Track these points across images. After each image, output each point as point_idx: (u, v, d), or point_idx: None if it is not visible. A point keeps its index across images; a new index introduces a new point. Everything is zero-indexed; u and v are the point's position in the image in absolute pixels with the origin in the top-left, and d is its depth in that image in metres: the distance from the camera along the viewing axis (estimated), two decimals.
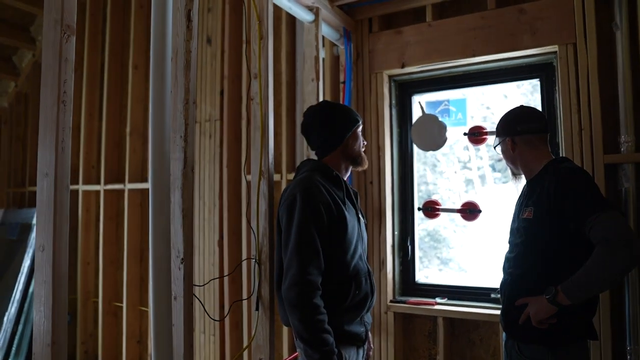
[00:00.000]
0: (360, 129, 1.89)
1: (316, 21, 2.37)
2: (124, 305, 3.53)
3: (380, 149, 2.74)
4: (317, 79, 2.36)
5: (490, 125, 2.52)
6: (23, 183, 4.77)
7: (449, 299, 2.57)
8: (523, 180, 1.96)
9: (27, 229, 4.23)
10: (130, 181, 3.59)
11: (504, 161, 2.02)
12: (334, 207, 1.68)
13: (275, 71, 2.94)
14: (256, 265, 1.91)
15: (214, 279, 2.99)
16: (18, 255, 4.15)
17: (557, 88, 2.31)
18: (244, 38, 3.04)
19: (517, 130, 1.86)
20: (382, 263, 2.67)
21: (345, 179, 1.89)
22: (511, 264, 1.85)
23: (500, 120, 1.97)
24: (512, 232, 1.90)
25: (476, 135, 2.61)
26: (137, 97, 3.67)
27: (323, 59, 2.84)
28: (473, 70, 2.61)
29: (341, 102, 2.74)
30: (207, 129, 3.21)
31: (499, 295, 1.96)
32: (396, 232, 2.76)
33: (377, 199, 2.71)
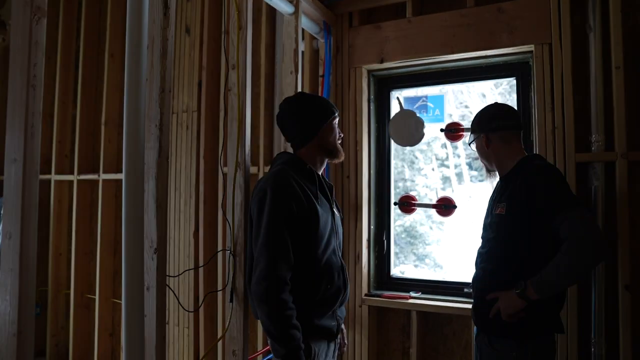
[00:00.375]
0: (336, 121, 1.87)
1: (296, 13, 2.36)
2: (97, 297, 3.48)
3: (357, 144, 2.75)
4: (296, 71, 2.35)
5: (468, 123, 2.55)
6: None
7: (423, 293, 2.60)
8: (497, 178, 2.00)
9: None
10: (105, 171, 3.52)
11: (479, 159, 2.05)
12: (305, 202, 1.67)
13: (254, 63, 2.92)
14: (231, 257, 1.90)
15: (187, 270, 2.96)
16: None
17: (532, 87, 2.35)
18: (223, 29, 3.00)
19: (492, 126, 1.90)
20: (358, 257, 2.69)
21: (321, 172, 1.88)
22: (483, 259, 1.89)
23: (476, 117, 1.99)
24: (485, 227, 1.93)
25: (453, 131, 2.64)
26: (113, 86, 3.59)
27: (302, 52, 2.83)
28: (451, 67, 2.64)
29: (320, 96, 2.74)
30: (184, 120, 3.17)
31: (471, 290, 2.00)
32: (372, 227, 2.77)
33: (354, 193, 2.73)
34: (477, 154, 2.02)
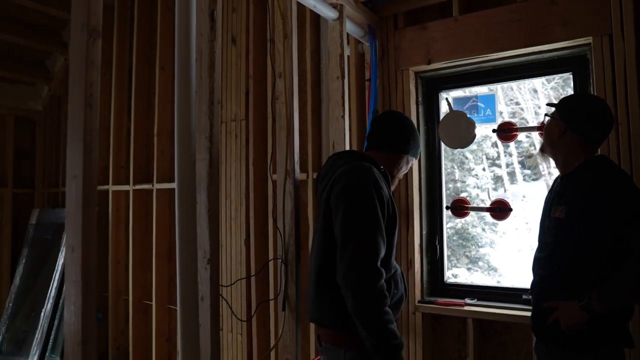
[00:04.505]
0: (411, 164, 1.93)
1: (340, 19, 2.35)
2: (153, 303, 3.59)
3: None
4: (342, 76, 2.33)
5: (520, 121, 2.45)
6: (57, 184, 4.90)
7: (478, 299, 2.51)
8: (550, 162, 1.89)
9: (61, 228, 4.34)
10: (158, 181, 3.64)
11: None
12: (390, 203, 1.65)
13: (300, 70, 2.93)
14: (282, 265, 1.90)
15: (240, 279, 3.00)
16: (53, 253, 4.27)
17: (591, 82, 2.22)
18: (268, 37, 3.04)
19: (578, 126, 1.73)
20: (410, 263, 2.63)
21: None
22: (541, 265, 1.79)
23: (572, 99, 1.85)
24: (542, 230, 1.83)
25: (506, 131, 2.55)
26: (164, 98, 3.71)
27: (348, 57, 2.81)
28: (502, 65, 2.54)
29: (367, 100, 2.71)
30: (233, 128, 3.22)
31: (530, 297, 1.90)
32: (424, 232, 2.71)
33: (405, 198, 2.67)
34: (545, 131, 1.86)
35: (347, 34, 2.64)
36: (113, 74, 4.10)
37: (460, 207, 2.63)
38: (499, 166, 9.52)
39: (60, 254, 4.17)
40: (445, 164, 2.90)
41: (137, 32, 3.94)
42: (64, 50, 4.74)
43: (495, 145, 9.32)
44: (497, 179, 9.50)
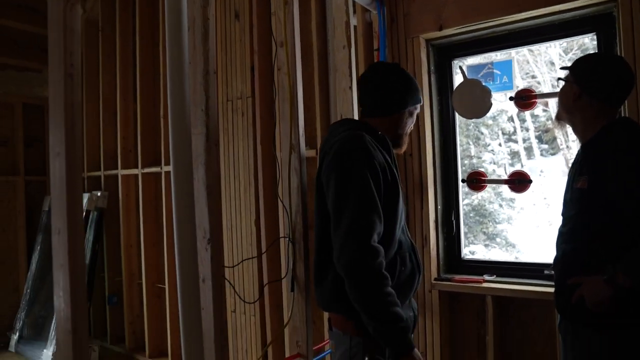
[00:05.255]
0: (418, 111, 1.72)
1: None
2: (166, 287, 3.56)
3: (419, 119, 2.56)
4: (349, 45, 2.21)
5: (539, 90, 2.30)
6: None
7: (497, 275, 2.41)
8: (566, 129, 1.76)
9: None
10: (166, 164, 3.58)
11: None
12: (387, 170, 1.49)
13: (305, 42, 2.81)
14: (290, 244, 1.82)
15: (244, 260, 2.93)
16: None
17: (618, 42, 2.06)
18: (272, 10, 2.91)
19: (593, 88, 1.59)
20: (425, 239, 2.53)
21: None
22: (564, 239, 1.67)
23: (585, 60, 1.68)
24: (566, 203, 1.71)
25: (524, 99, 2.40)
26: None
27: (355, 27, 2.68)
28: (519, 28, 2.38)
29: None
30: (239, 106, 3.12)
31: (552, 272, 1.79)
32: (439, 207, 2.60)
33: (418, 172, 2.56)
34: (558, 95, 1.73)
35: (354, 2, 2.51)
36: (117, 57, 4.03)
37: (477, 180, 2.51)
38: (516, 141, 9.28)
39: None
40: (460, 140, 2.77)
41: (140, 14, 3.84)
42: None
43: (511, 119, 9.07)
44: (514, 155, 9.28)
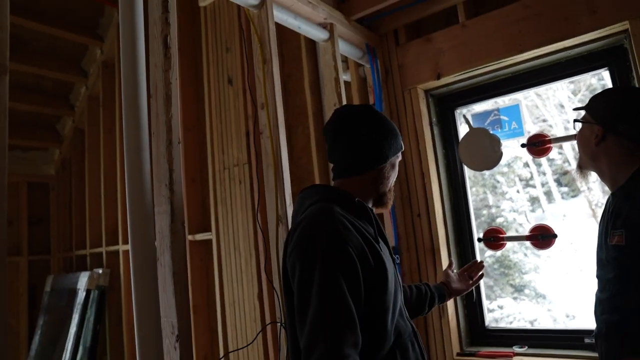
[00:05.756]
0: (400, 159, 1.44)
1: (332, 39, 2.10)
2: None
3: (425, 176, 2.36)
4: (340, 102, 2.06)
5: (552, 134, 2.09)
6: (70, 248, 4.75)
7: (529, 346, 2.10)
8: (589, 179, 1.53)
9: (73, 293, 4.15)
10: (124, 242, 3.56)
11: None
12: (368, 252, 1.19)
13: (300, 103, 2.69)
14: (282, 329, 1.58)
15: (231, 351, 2.67)
16: (67, 321, 4.06)
17: (634, 75, 1.87)
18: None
19: (617, 127, 1.38)
20: (442, 309, 2.24)
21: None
22: (605, 308, 1.39)
23: (604, 95, 1.46)
24: (600, 263, 1.44)
25: (537, 145, 2.19)
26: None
27: (349, 83, 2.56)
28: (523, 70, 2.22)
29: None
30: (237, 174, 2.97)
31: (593, 341, 1.50)
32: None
33: (428, 234, 2.32)
34: (578, 141, 1.51)
35: (346, 58, 2.39)
36: (117, 130, 4.03)
37: (495, 238, 2.26)
38: (534, 187, 9.00)
39: (72, 320, 3.96)
40: (476, 190, 2.55)
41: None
42: (71, 113, 4.71)
43: (527, 165, 8.83)
44: (534, 200, 8.97)
